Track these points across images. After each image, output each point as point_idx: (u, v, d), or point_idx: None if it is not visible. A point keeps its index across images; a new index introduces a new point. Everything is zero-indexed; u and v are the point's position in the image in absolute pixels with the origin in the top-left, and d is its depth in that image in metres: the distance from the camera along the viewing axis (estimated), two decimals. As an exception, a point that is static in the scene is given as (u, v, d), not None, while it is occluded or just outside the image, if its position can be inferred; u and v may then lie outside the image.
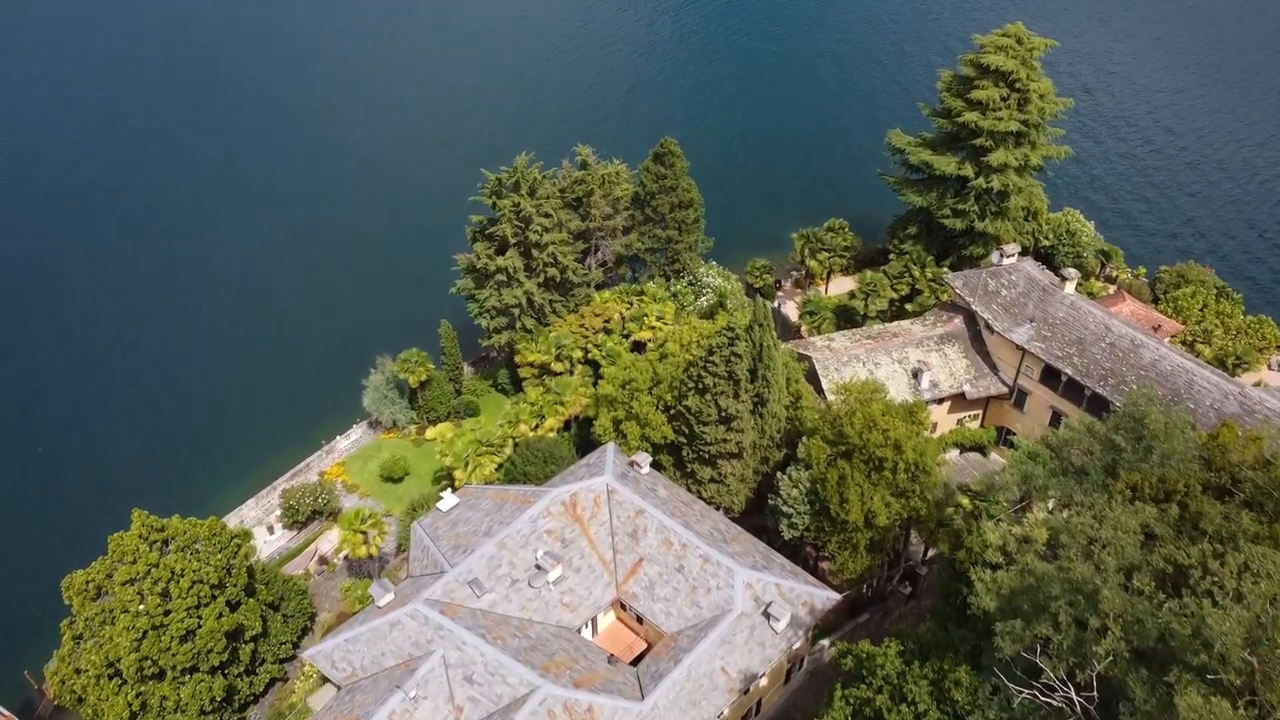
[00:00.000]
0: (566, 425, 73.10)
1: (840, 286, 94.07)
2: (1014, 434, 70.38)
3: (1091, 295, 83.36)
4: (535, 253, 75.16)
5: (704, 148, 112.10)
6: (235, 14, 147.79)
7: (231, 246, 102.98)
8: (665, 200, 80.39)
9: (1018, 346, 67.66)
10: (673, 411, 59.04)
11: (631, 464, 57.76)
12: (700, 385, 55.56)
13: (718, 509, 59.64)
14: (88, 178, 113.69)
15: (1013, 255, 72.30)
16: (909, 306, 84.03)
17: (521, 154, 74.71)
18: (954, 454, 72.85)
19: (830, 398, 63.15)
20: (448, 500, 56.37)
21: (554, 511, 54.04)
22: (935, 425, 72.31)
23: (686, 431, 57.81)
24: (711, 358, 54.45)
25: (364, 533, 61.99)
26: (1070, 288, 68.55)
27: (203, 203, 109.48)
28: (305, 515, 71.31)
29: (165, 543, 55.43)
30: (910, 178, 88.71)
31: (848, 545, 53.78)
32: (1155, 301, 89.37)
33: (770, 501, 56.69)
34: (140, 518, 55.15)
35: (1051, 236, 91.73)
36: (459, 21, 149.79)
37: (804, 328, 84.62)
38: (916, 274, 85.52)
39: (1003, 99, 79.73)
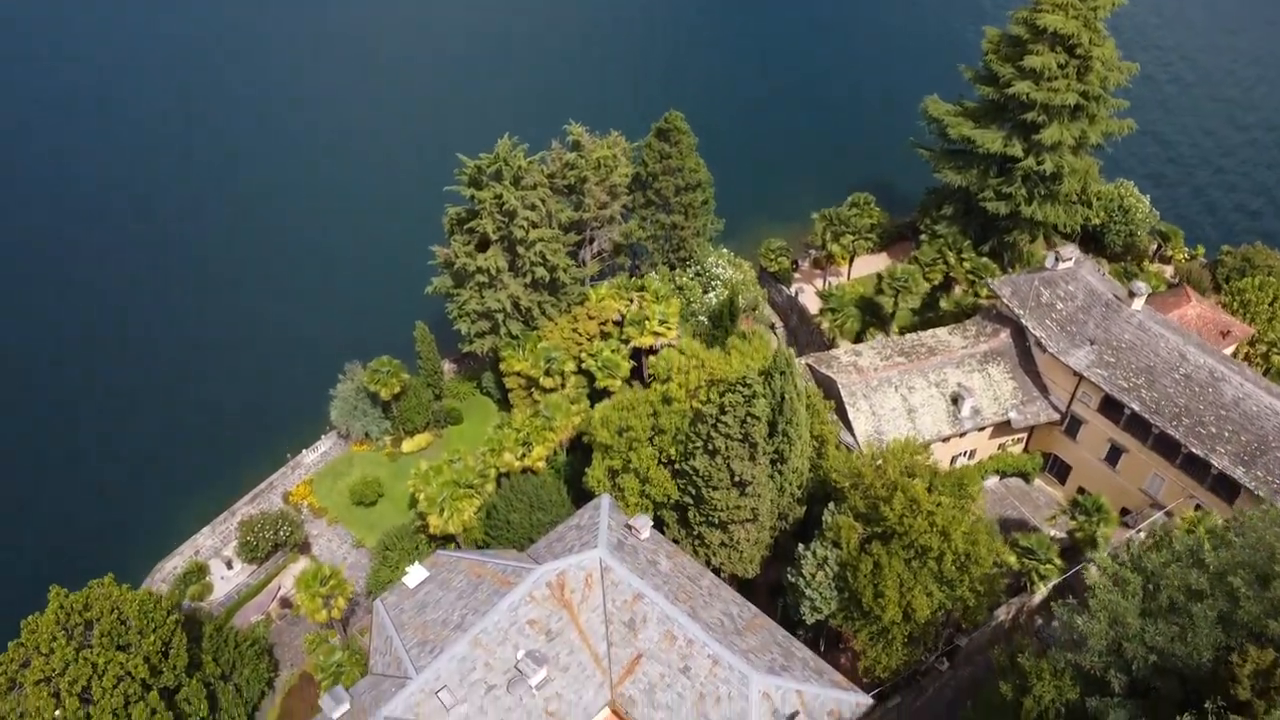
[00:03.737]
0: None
1: (865, 266, 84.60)
2: (1084, 493, 61.30)
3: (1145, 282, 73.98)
4: (521, 250, 65.70)
5: (714, 109, 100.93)
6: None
7: (180, 238, 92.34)
8: (669, 182, 70.71)
9: (1075, 372, 58.83)
10: (677, 466, 50.72)
11: (629, 527, 49.66)
12: (710, 446, 47.07)
13: (728, 579, 51.84)
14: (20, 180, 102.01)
15: (1069, 259, 62.74)
16: (943, 303, 74.88)
17: (504, 137, 64.53)
18: (993, 480, 64.73)
19: (862, 445, 54.90)
20: (415, 574, 48.48)
21: (538, 596, 46.16)
22: (974, 452, 64.11)
23: (693, 493, 49.54)
24: (724, 417, 45.81)
25: (325, 597, 54.25)
26: (1139, 304, 59.24)
27: (144, 190, 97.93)
28: (265, 551, 63.74)
29: (88, 624, 47.85)
30: (948, 149, 78.46)
31: (881, 638, 45.99)
32: (1216, 289, 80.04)
33: (790, 579, 48.71)
34: (57, 597, 47.56)
35: (1102, 213, 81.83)
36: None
37: (825, 324, 75.54)
38: (952, 261, 76.17)
39: (1060, 66, 69.11)
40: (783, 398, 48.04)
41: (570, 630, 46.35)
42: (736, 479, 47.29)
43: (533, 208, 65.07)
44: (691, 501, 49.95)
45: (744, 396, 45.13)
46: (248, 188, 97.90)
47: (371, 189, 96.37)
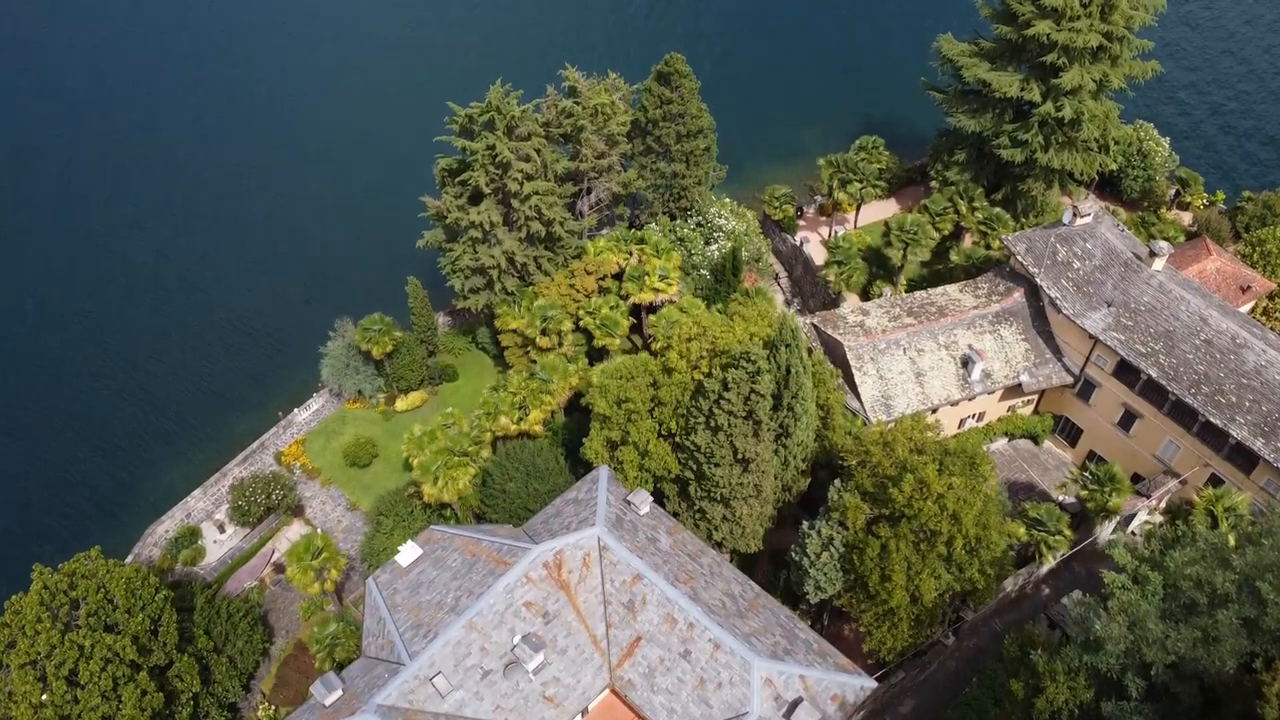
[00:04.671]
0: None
1: (873, 213, 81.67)
2: (1095, 460, 59.85)
3: (1167, 240, 71.39)
4: (515, 203, 62.93)
5: (715, 49, 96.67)
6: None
7: (166, 195, 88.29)
8: (670, 129, 67.65)
9: (1090, 335, 56.68)
10: (677, 440, 48.98)
11: (628, 503, 48.14)
12: (713, 422, 45.25)
13: (730, 553, 50.57)
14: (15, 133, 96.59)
15: (1088, 215, 60.09)
16: (953, 255, 72.24)
17: (496, 83, 61.22)
18: (1002, 443, 63.12)
19: (869, 411, 53.09)
20: (408, 552, 47.11)
21: (534, 577, 44.86)
22: (983, 414, 62.36)
23: (695, 468, 47.89)
24: (727, 394, 43.89)
25: (317, 569, 53.00)
26: (1159, 264, 56.77)
27: (129, 148, 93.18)
28: (258, 515, 62.47)
29: (74, 604, 46.67)
30: (962, 91, 74.91)
31: (887, 619, 44.81)
32: (1236, 237, 77.42)
33: (794, 556, 47.36)
34: (40, 576, 46.21)
35: (1120, 158, 78.73)
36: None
37: (830, 276, 73.08)
38: (963, 210, 73.40)
39: (1083, 5, 65.36)
40: (788, 371, 46.08)
41: (568, 611, 45.16)
42: (740, 455, 45.60)
43: (527, 159, 62.15)
44: (693, 476, 48.34)
45: (748, 372, 43.14)
46: (234, 138, 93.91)
47: (361, 137, 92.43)
